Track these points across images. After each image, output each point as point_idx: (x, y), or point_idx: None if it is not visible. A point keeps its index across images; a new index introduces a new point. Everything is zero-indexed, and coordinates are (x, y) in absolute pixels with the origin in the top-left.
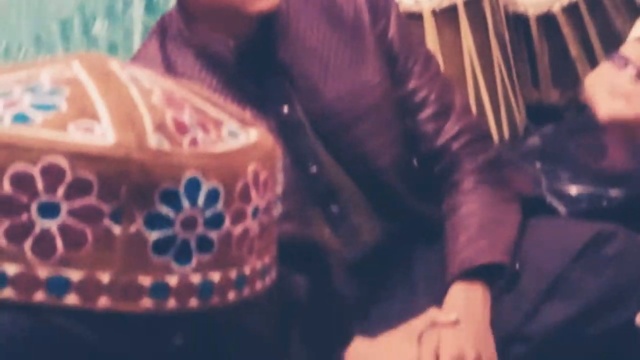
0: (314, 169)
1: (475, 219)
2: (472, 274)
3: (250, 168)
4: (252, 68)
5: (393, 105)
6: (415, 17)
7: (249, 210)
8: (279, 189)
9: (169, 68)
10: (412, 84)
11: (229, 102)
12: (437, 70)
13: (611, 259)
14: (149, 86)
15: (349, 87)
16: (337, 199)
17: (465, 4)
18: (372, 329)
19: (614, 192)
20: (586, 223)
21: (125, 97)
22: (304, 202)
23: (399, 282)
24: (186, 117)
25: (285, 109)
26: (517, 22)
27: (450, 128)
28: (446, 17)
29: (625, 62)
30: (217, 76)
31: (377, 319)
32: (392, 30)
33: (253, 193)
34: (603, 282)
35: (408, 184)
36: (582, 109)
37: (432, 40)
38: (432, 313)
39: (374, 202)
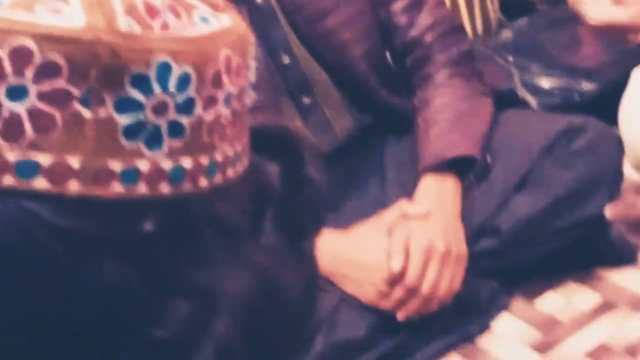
0: (286, 59)
1: (448, 112)
2: (443, 166)
3: (223, 53)
4: None
5: None
6: None
7: (221, 96)
8: (251, 76)
9: None
10: None
11: None
12: None
13: (581, 152)
14: None
15: None
16: (309, 90)
17: None
18: (344, 222)
19: (586, 85)
20: (557, 116)
21: None
22: (276, 94)
23: (370, 175)
24: (157, 1)
25: None
26: None
27: (423, 20)
28: None
29: None
30: None
31: (348, 211)
32: None
33: (225, 79)
34: (573, 175)
35: (380, 76)
36: (556, 3)
37: None
38: (403, 205)
39: (346, 94)
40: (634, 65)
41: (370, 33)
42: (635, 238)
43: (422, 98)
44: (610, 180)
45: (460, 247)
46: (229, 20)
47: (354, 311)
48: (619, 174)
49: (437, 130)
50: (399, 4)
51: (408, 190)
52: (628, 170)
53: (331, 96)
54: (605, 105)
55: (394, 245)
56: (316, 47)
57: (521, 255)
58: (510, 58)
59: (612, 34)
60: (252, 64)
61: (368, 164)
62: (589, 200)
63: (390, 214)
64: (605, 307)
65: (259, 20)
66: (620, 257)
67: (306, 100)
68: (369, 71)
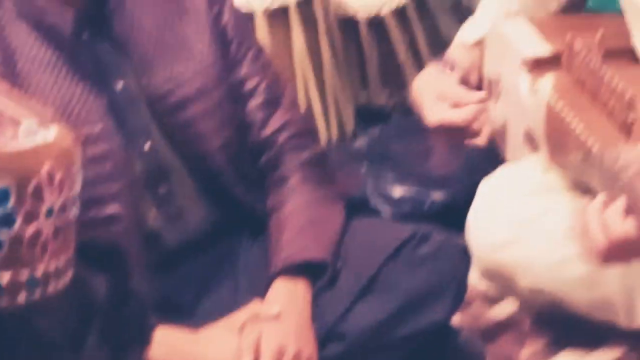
0: (145, 147)
1: (299, 217)
2: (294, 270)
3: (45, 168)
4: (88, 42)
5: (225, 90)
6: (247, 17)
7: (43, 210)
8: (77, 189)
9: (3, 41)
10: (243, 71)
11: (29, 99)
12: (268, 61)
13: (425, 259)
14: None
15: (183, 66)
16: (166, 179)
17: (297, 5)
18: (195, 322)
19: (436, 195)
20: (404, 224)
21: None
22: (134, 182)
23: (223, 276)
24: None
25: (120, 85)
26: (347, 24)
27: (278, 120)
28: (278, 17)
29: (452, 65)
30: (53, 49)
31: (200, 312)
32: (227, 16)
33: (47, 193)
34: (416, 282)
35: (237, 172)
36: (409, 111)
37: (263, 40)
38: (254, 306)
39: (202, 186)
40: (483, 175)
41: (228, 127)
42: (482, 345)
43: (275, 201)
44: (454, 288)
45: (310, 351)
46: (55, 133)
47: None
48: (463, 282)
49: (288, 235)
50: (255, 101)
51: (260, 293)
52: (475, 279)
53: (187, 187)
54: (455, 214)
55: (244, 345)
56: (175, 136)
57: None
58: (364, 165)
59: (450, 136)
60: (78, 176)
61: (222, 263)
62: (433, 307)
63: (241, 315)
64: None
65: (120, 106)
66: None
67: (162, 189)
68: (225, 165)
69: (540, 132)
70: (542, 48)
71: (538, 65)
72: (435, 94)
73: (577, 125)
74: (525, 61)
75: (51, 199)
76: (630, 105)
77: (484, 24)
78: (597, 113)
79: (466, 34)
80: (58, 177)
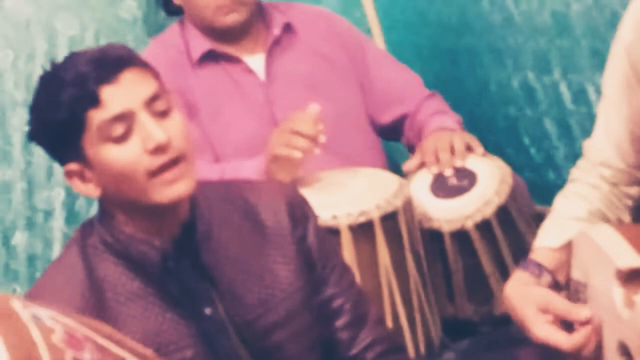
0: None
1: None
2: None
3: None
4: (175, 270)
5: (312, 311)
6: (332, 232)
7: None
8: None
9: (90, 274)
10: (328, 292)
11: (130, 340)
12: (353, 280)
13: None
14: (50, 325)
15: (270, 292)
16: None
17: (381, 220)
18: None
19: None
20: None
21: (25, 337)
22: None
23: None
24: (87, 356)
25: (208, 311)
26: (432, 237)
27: (364, 338)
28: (363, 232)
29: (540, 269)
30: (140, 278)
31: None
32: (311, 238)
33: None
34: None
35: None
36: (497, 324)
37: (349, 255)
38: None
39: None
40: None
41: (316, 347)
42: None
43: None
44: None
45: None
46: None
47: None
48: None
49: None
50: (341, 321)
51: None
52: None
53: None
54: None
55: None
56: None
57: None
58: None
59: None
60: None
61: None
62: None
63: None
64: None
65: (208, 332)
66: None
67: None
68: None
69: (637, 348)
70: (635, 259)
71: (632, 277)
72: (536, 306)
73: None
74: (619, 272)
75: None
76: None
77: (567, 229)
78: None
79: (549, 238)
80: None
